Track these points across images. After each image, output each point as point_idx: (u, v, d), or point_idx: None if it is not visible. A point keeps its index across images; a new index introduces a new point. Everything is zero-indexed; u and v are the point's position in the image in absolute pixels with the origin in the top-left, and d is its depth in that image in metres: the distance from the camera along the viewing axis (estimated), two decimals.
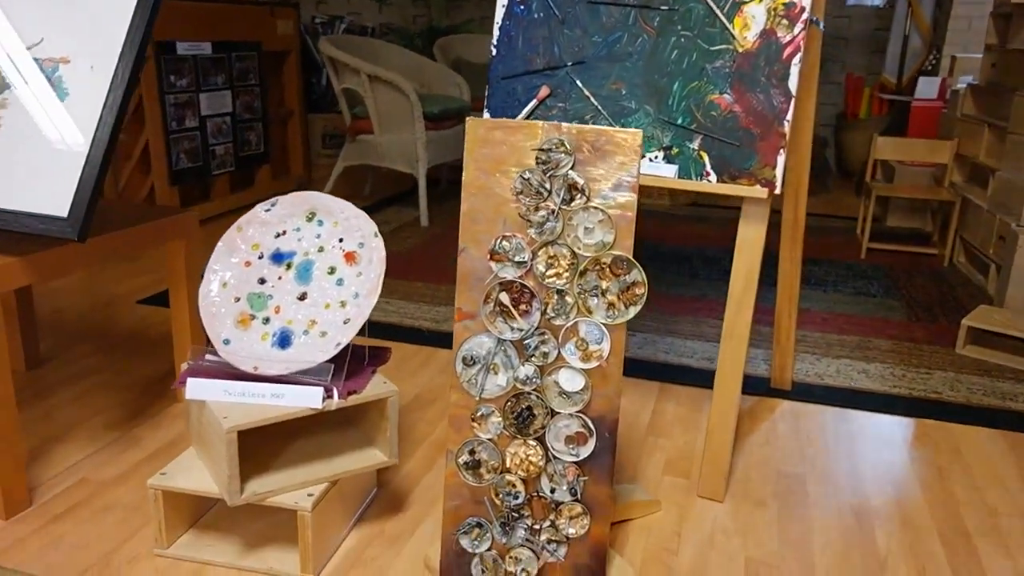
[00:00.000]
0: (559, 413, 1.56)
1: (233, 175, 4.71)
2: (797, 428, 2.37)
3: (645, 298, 1.52)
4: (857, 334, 3.06)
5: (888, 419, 2.43)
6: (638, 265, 1.52)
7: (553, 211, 1.53)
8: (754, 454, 2.23)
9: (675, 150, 1.97)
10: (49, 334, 2.93)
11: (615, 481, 2.05)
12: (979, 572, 1.77)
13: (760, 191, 1.89)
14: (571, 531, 1.58)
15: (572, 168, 1.53)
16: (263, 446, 1.82)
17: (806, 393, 2.57)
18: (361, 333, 1.71)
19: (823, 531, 1.89)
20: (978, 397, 2.57)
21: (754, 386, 2.62)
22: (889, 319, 3.22)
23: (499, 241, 1.56)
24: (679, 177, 1.97)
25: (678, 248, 4.14)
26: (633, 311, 1.53)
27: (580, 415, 1.55)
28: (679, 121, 1.95)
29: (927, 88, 5.01)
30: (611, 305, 1.53)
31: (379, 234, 1.78)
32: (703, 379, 2.66)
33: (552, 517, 1.58)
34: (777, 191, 1.89)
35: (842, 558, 1.80)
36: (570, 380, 1.55)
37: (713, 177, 1.94)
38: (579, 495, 1.57)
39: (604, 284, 1.53)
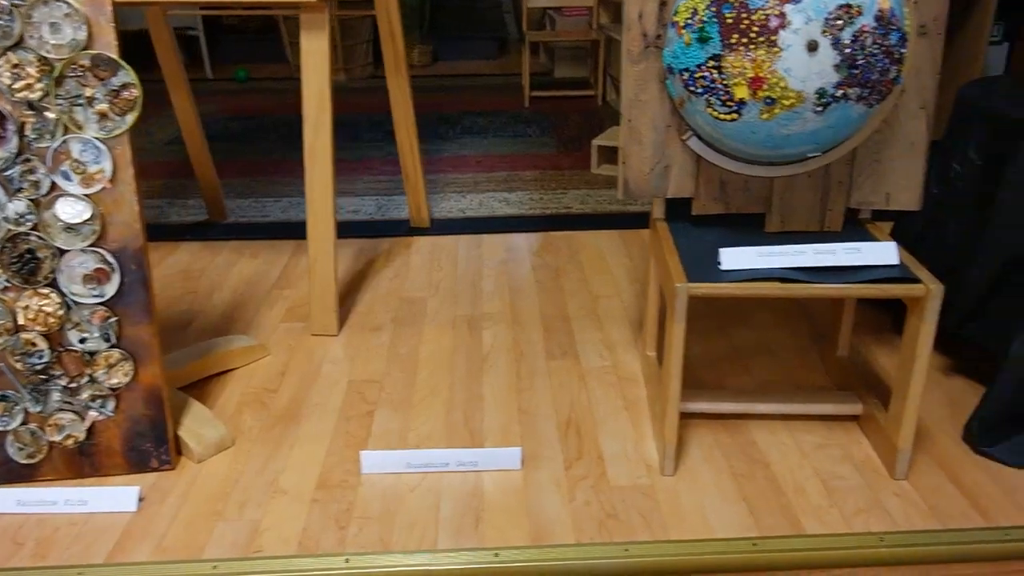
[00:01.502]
0: (69, 251, 1.34)
1: None
2: (430, 259, 2.35)
3: (141, 101, 1.33)
4: (506, 170, 3.10)
5: (519, 237, 2.49)
6: (125, 64, 1.31)
7: (3, 7, 1.27)
8: (381, 287, 2.17)
9: None
10: None
11: (218, 334, 1.89)
12: (569, 344, 1.85)
13: None
14: (114, 381, 1.40)
15: None
16: None
17: (445, 227, 2.56)
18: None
19: (433, 342, 1.88)
20: (603, 206, 2.71)
21: (394, 229, 2.56)
22: (540, 154, 3.31)
23: None
24: None
25: (349, 116, 3.97)
26: (131, 118, 1.33)
27: (96, 249, 1.35)
28: None
29: None
30: (103, 116, 1.32)
31: None
32: (344, 230, 2.54)
33: (89, 371, 1.39)
34: None
35: (447, 361, 1.80)
36: (72, 210, 1.33)
37: None
38: (114, 340, 1.38)
39: (89, 91, 1.31)
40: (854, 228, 1.47)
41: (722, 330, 1.91)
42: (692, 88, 1.31)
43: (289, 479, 1.43)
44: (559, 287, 2.15)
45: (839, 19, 1.18)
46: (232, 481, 1.43)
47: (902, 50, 1.24)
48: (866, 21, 1.19)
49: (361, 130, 3.69)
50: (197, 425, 1.51)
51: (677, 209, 1.55)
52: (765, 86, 1.23)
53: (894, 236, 1.76)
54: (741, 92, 1.25)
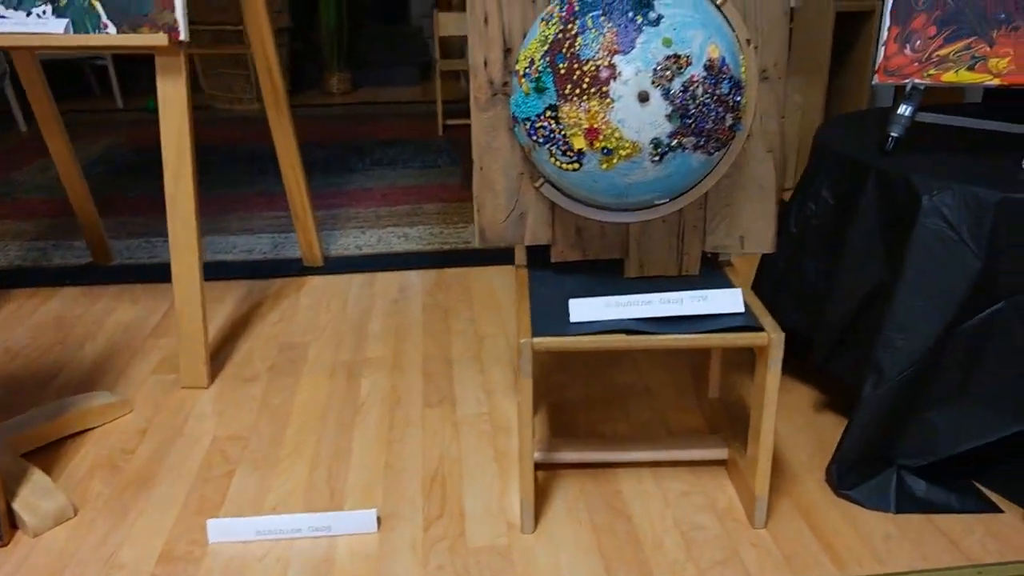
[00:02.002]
0: None
1: None
2: (319, 300, 2.28)
3: None
4: (410, 203, 3.06)
5: (414, 274, 2.44)
6: None
7: None
8: (263, 334, 2.10)
9: (63, 1, 1.68)
10: None
11: (84, 388, 1.80)
12: (448, 390, 1.81)
13: (162, 38, 1.68)
14: None
15: None
16: None
17: (339, 265, 2.50)
18: None
19: (308, 392, 1.82)
20: None
21: (285, 268, 2.49)
22: (445, 185, 3.27)
23: None
24: (73, 32, 1.69)
25: (256, 147, 3.88)
26: None
27: None
28: None
29: None
30: None
31: None
32: (235, 271, 2.48)
33: None
34: (183, 37, 1.70)
35: (319, 413, 1.74)
36: None
37: (112, 28, 1.69)
38: None
39: None
40: (712, 272, 1.46)
41: (602, 371, 1.89)
42: (534, 138, 1.28)
43: (129, 552, 1.35)
44: (447, 328, 2.11)
45: (667, 70, 1.17)
46: (68, 555, 1.34)
47: (736, 98, 1.24)
48: (695, 71, 1.18)
49: (267, 163, 3.61)
50: (35, 496, 1.42)
51: (542, 254, 1.52)
52: (601, 136, 1.21)
53: (759, 276, 1.77)
54: (579, 142, 1.23)
